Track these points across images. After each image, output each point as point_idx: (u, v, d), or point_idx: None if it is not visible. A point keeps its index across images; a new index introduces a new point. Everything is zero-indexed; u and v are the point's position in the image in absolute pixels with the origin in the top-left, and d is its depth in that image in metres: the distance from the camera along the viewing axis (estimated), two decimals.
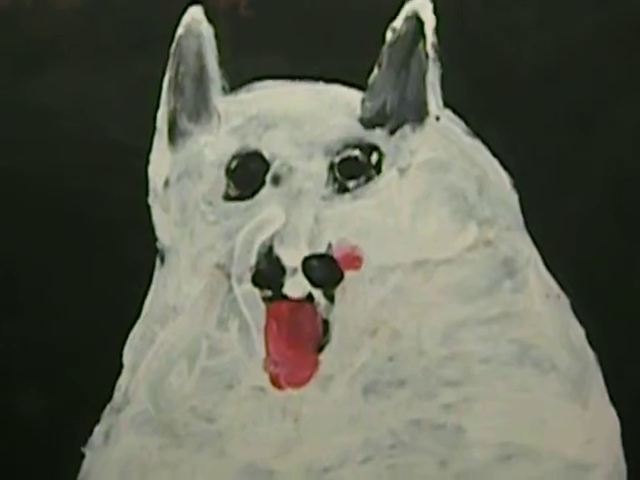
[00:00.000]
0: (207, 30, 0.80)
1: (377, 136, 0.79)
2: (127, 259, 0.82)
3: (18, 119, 0.83)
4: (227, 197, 0.79)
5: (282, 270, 0.76)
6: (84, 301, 0.82)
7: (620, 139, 0.82)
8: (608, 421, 0.81)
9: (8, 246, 0.82)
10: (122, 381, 0.81)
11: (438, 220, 0.80)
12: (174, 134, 0.81)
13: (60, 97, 0.82)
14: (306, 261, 0.76)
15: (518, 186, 0.81)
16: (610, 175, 0.82)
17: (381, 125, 0.80)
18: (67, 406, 0.82)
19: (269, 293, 0.77)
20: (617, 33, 0.84)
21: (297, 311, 0.78)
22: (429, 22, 0.79)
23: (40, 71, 0.82)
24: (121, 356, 0.80)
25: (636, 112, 0.82)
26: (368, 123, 0.80)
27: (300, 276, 0.76)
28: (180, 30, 0.81)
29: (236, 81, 0.82)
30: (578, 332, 0.81)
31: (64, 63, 0.82)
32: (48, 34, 0.83)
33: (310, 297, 0.77)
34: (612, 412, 0.81)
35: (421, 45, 0.79)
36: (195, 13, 0.81)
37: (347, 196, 0.78)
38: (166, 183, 0.81)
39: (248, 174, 0.79)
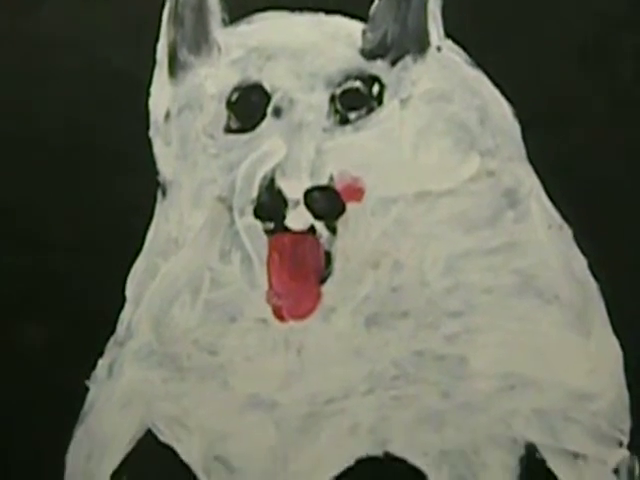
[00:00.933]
0: None
1: (378, 67, 0.79)
2: (129, 192, 0.82)
3: (19, 53, 0.83)
4: (228, 130, 0.79)
5: (284, 202, 0.76)
6: (86, 235, 0.82)
7: (621, 68, 0.81)
8: (611, 351, 0.81)
9: (11, 180, 0.82)
10: (125, 314, 0.81)
11: (440, 151, 0.80)
12: (174, 67, 0.81)
13: (60, 29, 0.82)
14: (308, 193, 0.76)
15: (520, 116, 0.81)
16: (612, 104, 0.81)
17: (382, 56, 0.79)
18: (70, 339, 0.82)
19: (271, 225, 0.78)
20: None
21: (299, 243, 0.78)
22: None
23: (40, 3, 0.82)
24: (124, 289, 0.81)
25: (638, 42, 0.82)
26: (369, 54, 0.79)
27: (302, 208, 0.76)
28: None
29: (236, 13, 0.82)
30: (580, 262, 0.81)
31: None
32: None
33: (312, 229, 0.77)
34: (615, 342, 0.81)
35: None
36: None
37: (348, 128, 0.78)
38: (167, 116, 0.81)
39: (249, 106, 0.79)
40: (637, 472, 0.80)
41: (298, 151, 0.77)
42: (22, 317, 0.82)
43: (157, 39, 0.81)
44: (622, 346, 0.81)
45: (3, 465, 0.82)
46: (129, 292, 0.81)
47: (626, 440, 0.80)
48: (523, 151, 0.81)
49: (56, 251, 0.82)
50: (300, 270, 0.79)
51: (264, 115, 0.78)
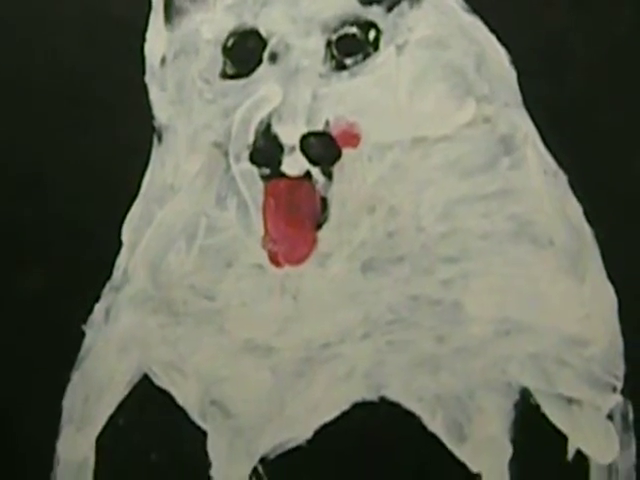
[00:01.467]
0: None
1: (374, 13, 0.79)
2: (125, 138, 0.82)
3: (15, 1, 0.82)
4: (224, 75, 0.79)
5: (280, 148, 0.76)
6: (82, 180, 0.82)
7: (621, 14, 0.81)
8: (605, 297, 0.81)
9: (8, 128, 0.82)
10: (121, 260, 0.81)
11: (436, 97, 0.79)
12: (170, 12, 0.80)
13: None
14: (304, 139, 0.76)
15: (516, 63, 0.80)
16: (611, 51, 0.81)
17: (378, 2, 0.79)
18: (67, 284, 0.82)
19: (267, 171, 0.78)
20: None
21: (295, 189, 0.78)
22: None
23: None
24: (120, 235, 0.81)
25: None
26: (365, 0, 0.79)
27: (298, 154, 0.76)
28: None
29: None
30: (575, 209, 0.81)
31: None
32: None
33: (308, 175, 0.77)
34: (609, 288, 0.81)
35: None
36: None
37: (344, 73, 0.78)
38: (163, 61, 0.81)
39: (245, 52, 0.79)
40: (631, 417, 0.80)
41: (294, 97, 0.77)
42: (19, 263, 0.82)
43: None
44: (617, 292, 0.81)
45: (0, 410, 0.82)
46: (125, 237, 0.81)
47: (620, 385, 0.80)
48: (519, 97, 0.80)
49: (54, 198, 0.81)
50: (296, 216, 0.79)
51: (260, 61, 0.78)
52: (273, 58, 0.78)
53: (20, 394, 0.83)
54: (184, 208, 0.81)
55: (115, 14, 0.81)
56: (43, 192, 0.82)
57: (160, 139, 0.81)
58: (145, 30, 0.80)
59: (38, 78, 0.82)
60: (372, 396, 0.81)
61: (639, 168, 0.82)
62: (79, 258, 0.82)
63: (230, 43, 0.79)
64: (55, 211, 0.82)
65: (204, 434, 0.82)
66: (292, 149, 0.76)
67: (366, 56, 0.78)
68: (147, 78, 0.81)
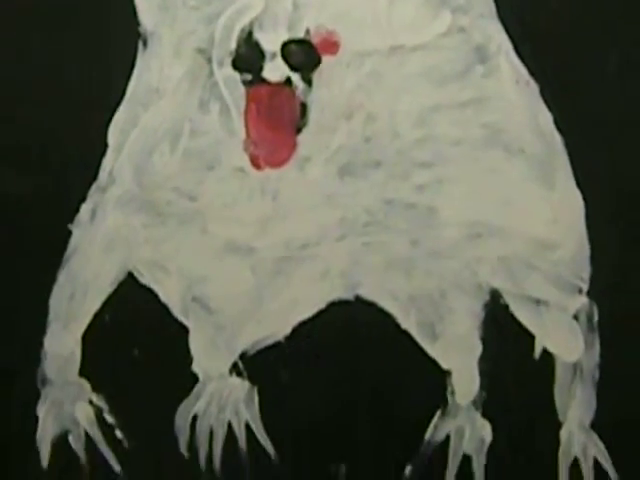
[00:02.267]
0: None
1: None
2: (111, 43, 0.84)
3: None
4: None
5: (261, 54, 0.79)
6: (69, 84, 0.84)
7: None
8: (573, 203, 0.84)
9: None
10: (107, 161, 0.83)
11: (413, 6, 0.82)
12: None
13: None
14: (285, 46, 0.78)
15: None
16: None
17: None
18: (54, 185, 0.84)
19: (249, 77, 0.80)
20: None
21: (276, 94, 0.80)
22: None
23: None
24: (106, 137, 0.83)
25: None
26: None
27: (279, 60, 0.79)
28: None
29: None
30: (546, 117, 0.84)
31: None
32: None
33: (289, 81, 0.80)
34: (577, 194, 0.84)
35: None
36: None
37: None
38: None
39: None
40: (596, 318, 0.84)
41: (276, 4, 0.79)
42: (5, 162, 0.84)
43: None
44: (584, 198, 0.84)
45: None
46: (111, 140, 0.83)
47: (586, 288, 0.84)
48: (494, 9, 0.82)
49: (40, 102, 0.83)
50: (276, 120, 0.81)
51: None
52: None
53: (7, 294, 0.86)
54: (168, 112, 0.83)
55: None
56: (29, 97, 0.84)
57: (145, 45, 0.83)
58: None
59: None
60: (348, 295, 0.84)
61: (609, 78, 0.85)
62: (65, 161, 0.84)
63: None
64: (41, 115, 0.84)
65: (186, 330, 0.85)
66: (273, 55, 0.79)
67: None
68: None
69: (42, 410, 0.86)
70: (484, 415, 0.86)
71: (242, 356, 0.87)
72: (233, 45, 0.79)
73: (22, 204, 0.85)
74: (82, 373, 0.86)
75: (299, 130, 0.82)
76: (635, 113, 0.85)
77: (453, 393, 0.86)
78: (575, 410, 0.86)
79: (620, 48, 0.84)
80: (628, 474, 0.86)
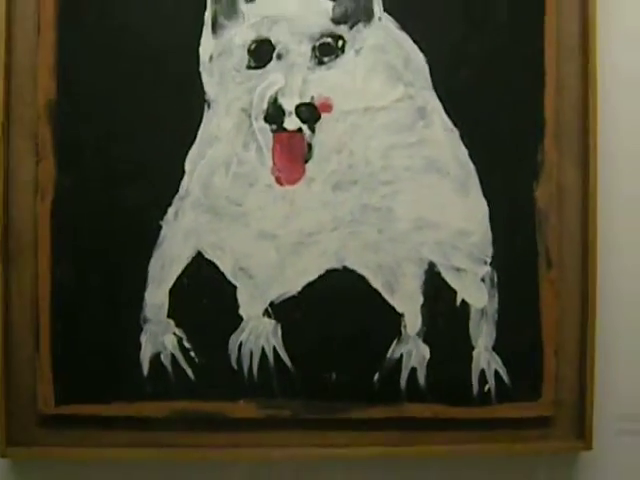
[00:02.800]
0: None
1: (342, 30, 1.16)
2: (188, 105, 1.16)
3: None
4: (249, 67, 1.16)
5: (282, 112, 1.14)
6: (162, 132, 1.16)
7: (497, 30, 1.19)
8: (481, 206, 1.19)
9: (112, 96, 1.16)
10: (184, 181, 1.17)
11: (379, 82, 1.17)
12: (215, 27, 1.16)
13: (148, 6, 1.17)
14: (297, 107, 1.14)
15: (429, 61, 1.18)
16: (486, 55, 1.19)
17: (345, 22, 1.16)
18: (151, 196, 1.17)
19: (275, 127, 1.15)
20: None
21: (292, 138, 1.16)
22: None
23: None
24: (184, 166, 1.17)
25: None
26: (336, 21, 1.16)
27: (294, 116, 1.14)
28: None
29: None
30: (463, 152, 1.18)
31: None
32: None
33: (300, 129, 1.15)
34: (483, 201, 1.19)
35: None
36: None
37: (323, 67, 1.15)
38: (210, 58, 1.16)
39: (261, 52, 1.16)
40: (495, 280, 1.20)
41: (292, 81, 1.14)
42: (121, 184, 1.17)
43: (205, 9, 1.16)
44: (488, 204, 1.19)
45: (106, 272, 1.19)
46: (187, 167, 1.16)
47: (489, 261, 1.20)
48: (430, 83, 1.17)
49: (145, 143, 1.16)
50: (292, 154, 1.16)
51: (270, 58, 1.15)
52: (279, 57, 1.15)
53: (122, 265, 1.18)
54: (223, 149, 1.16)
55: (182, 30, 1.16)
56: (139, 139, 1.17)
57: (209, 106, 1.17)
58: (199, 39, 1.16)
59: (132, 63, 1.16)
60: (338, 265, 1.19)
61: (504, 128, 1.20)
62: (159, 180, 1.17)
63: (252, 47, 1.15)
64: (144, 151, 1.17)
65: (235, 288, 1.19)
66: (290, 113, 1.14)
67: (336, 56, 1.16)
68: (201, 68, 1.16)
69: (144, 338, 1.18)
70: (424, 341, 1.20)
71: (270, 304, 1.19)
72: (265, 107, 1.15)
73: (132, 208, 1.17)
74: (169, 315, 1.18)
75: (307, 161, 1.16)
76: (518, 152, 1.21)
77: (405, 327, 1.20)
78: (482, 339, 1.21)
79: (510, 107, 1.20)
80: (515, 378, 1.21)
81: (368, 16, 1.17)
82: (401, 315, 1.21)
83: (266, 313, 1.20)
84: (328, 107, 1.16)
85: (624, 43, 1.27)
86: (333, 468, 1.25)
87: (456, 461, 1.25)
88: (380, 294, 1.20)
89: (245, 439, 1.21)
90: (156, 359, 1.19)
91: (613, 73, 1.25)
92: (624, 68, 1.26)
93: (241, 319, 1.20)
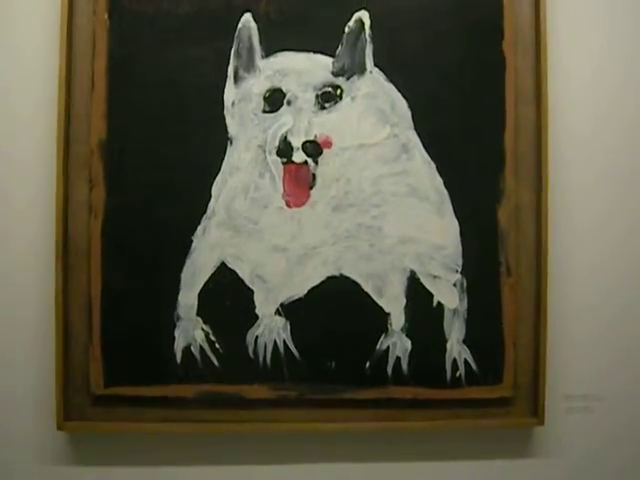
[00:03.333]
0: (253, 25, 1.36)
1: (340, 81, 1.36)
2: (214, 142, 1.37)
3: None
4: (264, 111, 1.36)
5: (291, 148, 1.34)
6: (193, 164, 1.36)
7: (477, 88, 1.42)
8: (453, 225, 1.39)
9: (151, 139, 1.37)
10: (211, 203, 1.36)
11: (370, 123, 1.37)
12: (237, 79, 1.35)
13: (182, 63, 1.38)
14: (304, 144, 1.34)
15: (411, 107, 1.39)
16: (459, 105, 1.40)
17: (342, 75, 1.36)
18: (184, 215, 1.36)
19: (285, 160, 1.35)
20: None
21: (299, 169, 1.36)
22: (367, 24, 1.37)
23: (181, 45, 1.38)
24: (211, 191, 1.37)
25: None
26: (336, 74, 1.36)
27: (301, 151, 1.34)
28: (240, 25, 1.36)
29: (269, 51, 1.37)
30: (439, 182, 1.39)
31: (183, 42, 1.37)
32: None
33: (306, 162, 1.35)
34: (455, 222, 1.39)
35: (362, 35, 1.37)
36: (247, 16, 1.37)
37: (325, 111, 1.36)
38: (233, 103, 1.36)
39: (274, 99, 1.36)
40: (465, 285, 1.40)
41: (299, 123, 1.34)
42: (158, 204, 1.37)
43: (228, 64, 1.37)
44: (459, 223, 1.39)
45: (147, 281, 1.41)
46: (213, 192, 1.36)
47: (459, 269, 1.40)
48: (412, 124, 1.38)
49: (178, 173, 1.36)
50: (299, 182, 1.36)
51: (282, 104, 1.35)
52: (289, 103, 1.35)
53: (159, 272, 1.37)
54: (243, 178, 1.36)
55: (209, 81, 1.37)
56: (174, 170, 1.37)
57: (231, 143, 1.36)
58: (224, 88, 1.37)
59: (168, 108, 1.38)
60: (337, 273, 1.38)
61: (471, 161, 1.39)
62: (190, 202, 1.36)
63: (267, 95, 1.36)
64: (178, 179, 1.37)
65: (252, 291, 1.37)
66: (298, 149, 1.34)
67: (336, 102, 1.36)
68: (225, 112, 1.37)
69: (177, 333, 1.36)
70: (407, 335, 1.39)
71: (281, 305, 1.38)
72: (277, 143, 1.35)
73: (168, 225, 1.37)
74: (198, 314, 1.36)
75: (311, 188, 1.36)
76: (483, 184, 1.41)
77: (391, 324, 1.39)
78: (454, 333, 1.40)
79: (477, 144, 1.41)
80: (481, 366, 1.41)
81: (362, 70, 1.37)
82: (388, 314, 1.40)
83: (277, 312, 1.38)
84: (329, 144, 1.36)
85: (571, 92, 1.49)
86: (332, 439, 1.44)
87: (432, 434, 1.45)
88: (371, 297, 1.40)
89: (259, 416, 1.40)
90: (187, 350, 1.38)
91: (561, 114, 1.47)
92: (571, 110, 1.49)
93: (257, 317, 1.39)
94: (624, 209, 1.51)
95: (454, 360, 1.41)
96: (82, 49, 1.39)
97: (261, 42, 1.37)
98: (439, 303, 1.41)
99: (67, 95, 1.38)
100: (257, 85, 1.37)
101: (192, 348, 1.38)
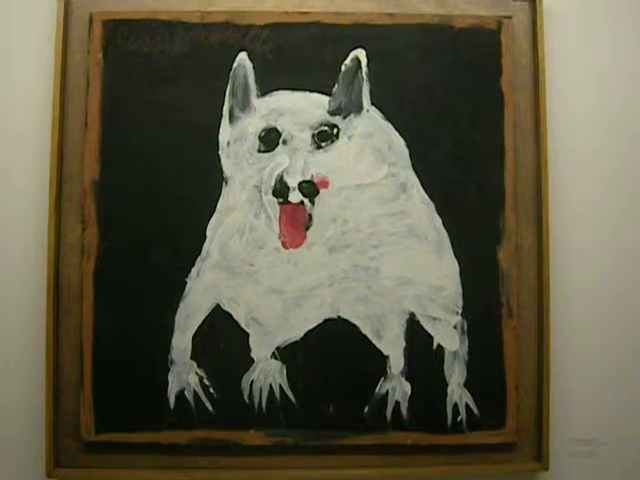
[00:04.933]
0: (248, 64, 1.34)
1: (337, 120, 1.34)
2: (209, 182, 1.34)
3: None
4: (259, 151, 1.33)
5: (287, 188, 1.31)
6: (187, 204, 1.34)
7: (474, 129, 1.39)
8: (453, 266, 1.36)
9: (155, 178, 1.36)
10: (206, 245, 1.33)
11: (367, 163, 1.35)
12: (232, 118, 1.34)
13: (176, 102, 1.36)
14: (300, 184, 1.31)
15: (408, 146, 1.36)
16: (456, 142, 1.38)
17: (339, 114, 1.34)
18: (178, 257, 1.34)
19: (281, 200, 1.33)
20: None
21: (295, 209, 1.33)
22: (364, 62, 1.34)
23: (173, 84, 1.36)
24: (206, 232, 1.34)
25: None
26: (332, 113, 1.34)
27: (297, 191, 1.32)
28: (235, 64, 1.34)
29: (264, 90, 1.36)
30: (438, 220, 1.36)
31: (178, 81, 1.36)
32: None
33: (302, 202, 1.32)
34: (455, 262, 1.36)
35: (359, 73, 1.34)
36: (242, 55, 1.35)
37: (321, 150, 1.33)
38: (228, 143, 1.34)
39: (270, 139, 1.34)
40: (465, 327, 1.36)
41: (295, 162, 1.32)
42: (154, 246, 1.34)
43: (224, 104, 1.35)
44: (458, 264, 1.36)
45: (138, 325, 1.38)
46: (208, 233, 1.33)
47: (460, 311, 1.36)
48: (410, 163, 1.35)
49: (173, 212, 1.33)
50: (295, 223, 1.33)
51: (277, 143, 1.33)
52: (285, 142, 1.33)
53: (151, 315, 1.34)
54: (238, 218, 1.33)
55: (203, 121, 1.35)
56: (168, 210, 1.34)
57: (227, 183, 1.34)
58: (219, 127, 1.35)
59: (161, 148, 1.35)
60: (334, 315, 1.35)
61: (470, 201, 1.37)
62: (184, 244, 1.34)
63: (262, 134, 1.33)
64: (172, 220, 1.34)
65: (247, 334, 1.34)
66: (294, 189, 1.31)
67: (332, 142, 1.34)
68: (220, 151, 1.34)
69: (171, 377, 1.34)
70: (406, 379, 1.35)
71: (277, 348, 1.35)
72: (273, 183, 1.32)
73: (162, 267, 1.34)
74: (192, 357, 1.34)
75: (307, 228, 1.33)
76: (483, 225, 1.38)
77: (390, 367, 1.35)
78: (455, 376, 1.36)
79: (476, 183, 1.38)
80: (483, 410, 1.36)
81: (358, 109, 1.35)
82: (387, 357, 1.36)
83: (273, 356, 1.36)
84: (325, 184, 1.34)
85: (570, 128, 1.47)
86: None
87: None
88: (369, 339, 1.36)
89: (255, 463, 1.37)
90: (181, 394, 1.35)
91: (561, 152, 1.45)
92: (570, 147, 1.46)
93: (252, 361, 1.35)
94: (626, 244, 1.48)
95: (455, 404, 1.37)
96: (76, 88, 1.38)
97: (256, 81, 1.35)
98: (439, 346, 1.37)
99: (60, 135, 1.37)
100: (253, 124, 1.35)
101: (186, 393, 1.35)
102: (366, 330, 1.36)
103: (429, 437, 1.37)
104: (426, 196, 1.37)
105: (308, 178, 1.32)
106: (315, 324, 1.36)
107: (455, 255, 1.37)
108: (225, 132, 1.36)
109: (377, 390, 1.36)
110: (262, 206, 1.34)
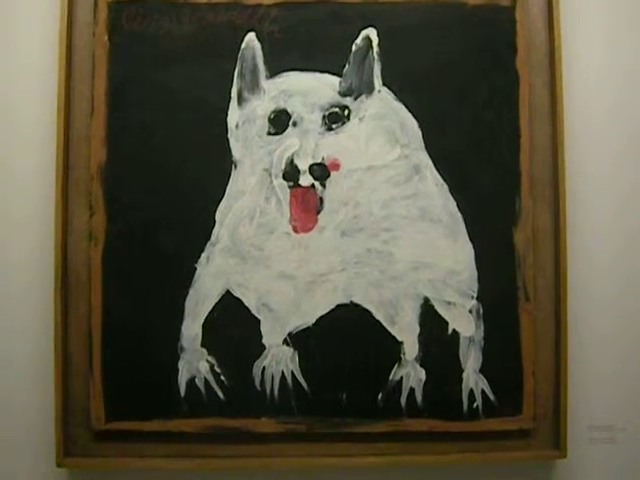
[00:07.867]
0: (257, 45, 1.29)
1: (348, 101, 1.28)
2: (218, 166, 1.29)
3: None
4: (269, 133, 1.28)
5: (298, 171, 1.26)
6: (198, 188, 1.28)
7: (484, 105, 1.35)
8: (468, 249, 1.31)
9: (167, 158, 1.30)
10: (215, 230, 1.28)
11: (379, 145, 1.29)
12: (241, 100, 1.29)
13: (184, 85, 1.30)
14: (311, 166, 1.26)
15: (421, 127, 1.30)
16: (469, 123, 1.32)
17: (350, 95, 1.29)
18: (189, 244, 1.29)
19: (291, 183, 1.28)
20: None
21: (306, 193, 1.28)
22: (375, 41, 1.29)
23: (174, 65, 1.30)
24: (215, 217, 1.29)
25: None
26: (343, 94, 1.28)
27: (308, 174, 1.26)
28: (243, 45, 1.29)
29: (273, 72, 1.30)
30: (452, 203, 1.30)
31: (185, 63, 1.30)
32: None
33: (313, 185, 1.27)
34: (470, 245, 1.31)
35: (370, 53, 1.29)
36: (251, 35, 1.29)
37: (332, 132, 1.28)
38: (237, 126, 1.29)
39: (280, 121, 1.28)
40: (481, 312, 1.31)
41: (306, 145, 1.27)
42: (162, 231, 1.29)
43: (232, 85, 1.29)
44: (473, 247, 1.31)
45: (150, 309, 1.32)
46: (217, 218, 1.28)
47: (475, 295, 1.31)
48: (423, 145, 1.30)
49: (184, 197, 1.29)
50: (306, 207, 1.28)
51: (287, 126, 1.28)
52: (295, 124, 1.28)
53: (163, 302, 1.29)
54: (248, 203, 1.28)
55: (212, 102, 1.29)
56: (176, 195, 1.29)
57: (236, 167, 1.29)
58: (227, 109, 1.30)
59: (168, 132, 1.30)
60: (346, 301, 1.30)
61: (486, 182, 1.31)
62: (194, 229, 1.29)
63: (272, 116, 1.28)
64: (181, 205, 1.29)
65: (258, 321, 1.29)
66: (304, 172, 1.26)
67: (343, 123, 1.28)
68: (229, 135, 1.29)
69: (181, 365, 1.29)
70: (421, 365, 1.30)
71: (289, 334, 1.30)
72: (283, 166, 1.27)
73: (170, 252, 1.29)
74: (202, 344, 1.29)
75: (319, 212, 1.28)
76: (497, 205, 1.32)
77: (404, 354, 1.30)
78: (470, 362, 1.31)
79: (491, 164, 1.31)
80: (499, 396, 1.31)
81: (370, 89, 1.30)
82: (401, 343, 1.31)
83: (285, 342, 1.31)
84: (337, 166, 1.29)
85: (587, 109, 1.40)
86: (343, 475, 1.35)
87: (449, 469, 1.35)
88: (383, 325, 1.31)
89: (267, 450, 1.32)
90: (191, 382, 1.30)
91: (578, 133, 1.39)
92: (587, 128, 1.40)
93: (264, 347, 1.31)
94: None
95: (471, 391, 1.32)
96: (81, 72, 1.33)
97: (265, 62, 1.30)
98: (454, 331, 1.32)
99: (66, 119, 1.31)
100: (262, 106, 1.30)
101: (196, 380, 1.30)
102: (379, 316, 1.31)
103: (444, 424, 1.31)
104: (440, 178, 1.31)
105: (319, 161, 1.27)
106: (327, 310, 1.31)
107: (470, 238, 1.32)
108: (234, 114, 1.30)
109: (391, 377, 1.31)
110: (272, 190, 1.29)
